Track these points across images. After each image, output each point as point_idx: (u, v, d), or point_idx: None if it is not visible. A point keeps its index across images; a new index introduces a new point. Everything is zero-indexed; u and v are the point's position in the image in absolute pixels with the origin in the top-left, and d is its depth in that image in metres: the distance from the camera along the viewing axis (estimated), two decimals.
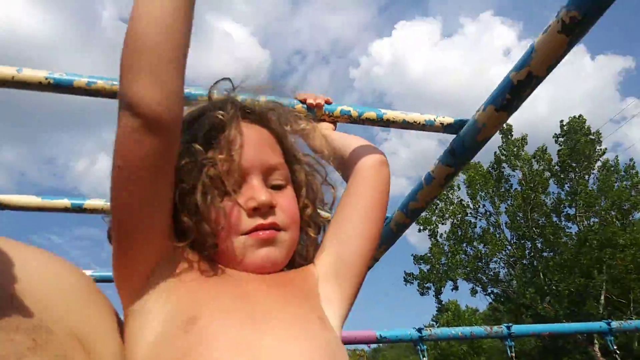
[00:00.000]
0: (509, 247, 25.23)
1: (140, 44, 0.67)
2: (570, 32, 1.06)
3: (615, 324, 3.39)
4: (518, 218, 24.51)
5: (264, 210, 0.84)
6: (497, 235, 25.18)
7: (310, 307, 0.84)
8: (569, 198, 23.97)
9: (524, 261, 24.98)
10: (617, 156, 24.75)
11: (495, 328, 3.61)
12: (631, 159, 24.39)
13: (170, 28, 0.68)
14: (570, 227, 24.49)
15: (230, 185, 0.83)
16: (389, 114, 1.42)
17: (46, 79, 1.18)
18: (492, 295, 26.65)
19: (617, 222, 22.85)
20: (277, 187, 0.90)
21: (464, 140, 1.43)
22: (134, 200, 0.71)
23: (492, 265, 25.60)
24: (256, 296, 0.79)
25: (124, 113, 0.67)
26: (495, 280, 25.64)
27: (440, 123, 1.46)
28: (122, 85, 0.68)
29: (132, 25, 0.68)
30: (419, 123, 1.45)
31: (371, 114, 1.40)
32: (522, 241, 24.92)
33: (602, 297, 21.72)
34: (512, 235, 25.22)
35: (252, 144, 0.87)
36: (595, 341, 21.42)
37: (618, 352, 3.03)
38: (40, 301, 0.67)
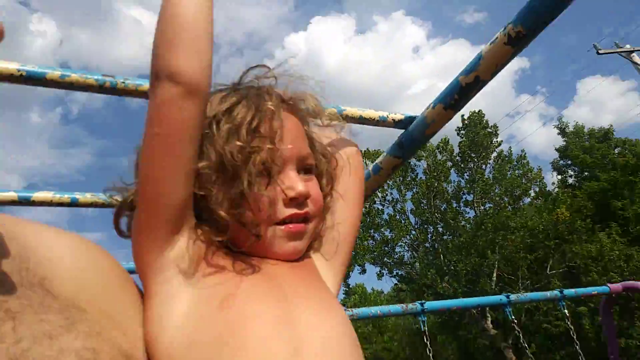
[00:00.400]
0: (413, 232, 26.68)
1: (181, 22, 0.75)
2: (515, 44, 1.22)
3: (513, 296, 3.72)
4: (422, 205, 25.94)
5: (300, 200, 0.88)
6: (403, 221, 26.52)
7: (325, 288, 0.91)
8: (468, 186, 25.82)
9: (427, 244, 26.56)
10: (510, 147, 27.08)
11: (411, 305, 3.85)
12: (522, 150, 26.85)
13: (204, 6, 0.78)
14: (468, 212, 26.43)
15: (274, 174, 0.86)
16: (348, 110, 1.52)
17: (18, 71, 1.14)
18: (397, 277, 28.10)
19: (509, 207, 25.01)
20: (307, 177, 0.93)
21: (413, 134, 1.58)
22: (167, 168, 0.75)
23: (397, 249, 26.96)
24: (284, 278, 0.83)
25: (165, 84, 0.73)
26: (400, 263, 27.01)
27: (392, 119, 1.58)
28: (161, 58, 0.75)
29: (173, 8, 0.76)
30: (374, 119, 1.57)
31: (332, 110, 1.49)
32: (425, 226, 26.45)
33: (495, 275, 23.73)
34: (416, 220, 26.67)
35: (291, 134, 0.90)
36: (488, 315, 23.45)
37: (515, 320, 3.36)
38: (73, 283, 0.68)
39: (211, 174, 0.82)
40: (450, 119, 1.51)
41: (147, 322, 0.75)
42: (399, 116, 1.60)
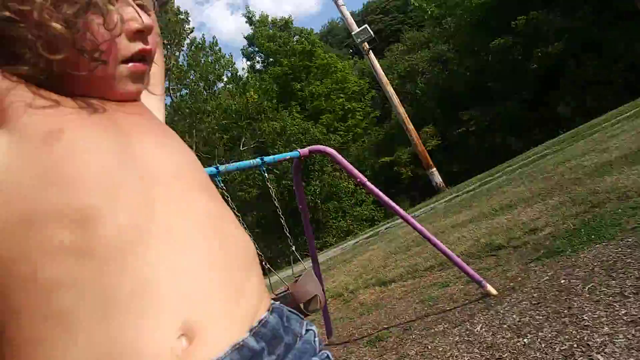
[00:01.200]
0: None
1: None
2: None
3: (222, 167, 4.16)
4: None
5: (147, 34, 0.73)
6: None
7: (160, 122, 0.81)
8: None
9: None
10: (203, 34, 27.63)
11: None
12: (214, 37, 27.74)
13: None
14: (166, 99, 26.40)
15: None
16: None
17: None
18: None
19: (204, 92, 26.03)
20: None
21: None
22: None
23: None
24: (118, 114, 0.70)
25: None
26: None
27: None
28: None
29: None
30: None
31: None
32: None
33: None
34: None
35: None
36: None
37: (225, 188, 3.82)
38: None
39: None
40: None
41: None
42: None
